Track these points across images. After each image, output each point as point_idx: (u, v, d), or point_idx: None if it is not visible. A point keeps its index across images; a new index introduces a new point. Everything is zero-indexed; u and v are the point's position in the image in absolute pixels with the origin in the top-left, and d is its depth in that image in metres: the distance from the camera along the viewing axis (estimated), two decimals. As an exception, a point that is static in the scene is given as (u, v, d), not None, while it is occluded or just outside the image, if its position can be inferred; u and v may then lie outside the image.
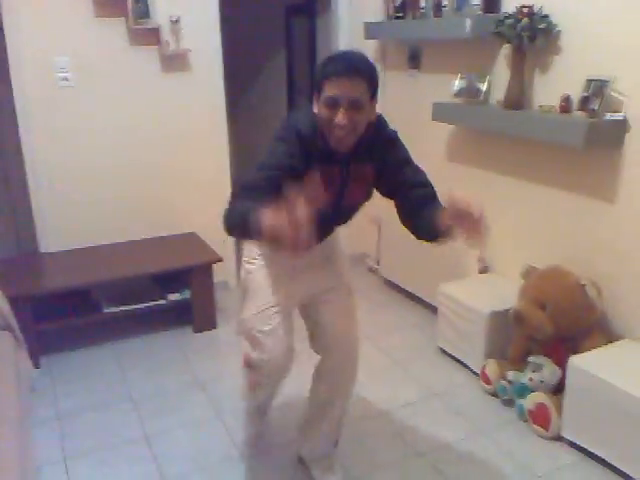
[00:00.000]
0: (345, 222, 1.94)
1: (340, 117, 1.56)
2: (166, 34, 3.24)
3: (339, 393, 2.05)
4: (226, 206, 1.58)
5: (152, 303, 3.19)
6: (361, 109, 1.58)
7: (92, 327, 3.25)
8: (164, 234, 3.57)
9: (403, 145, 1.82)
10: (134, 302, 3.16)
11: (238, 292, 2.06)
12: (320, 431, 2.11)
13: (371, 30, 3.53)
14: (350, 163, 1.72)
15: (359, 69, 1.57)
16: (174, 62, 3.34)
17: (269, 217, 1.29)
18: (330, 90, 1.56)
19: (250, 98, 5.78)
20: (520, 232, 2.92)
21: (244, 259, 1.96)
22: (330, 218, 1.81)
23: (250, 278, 1.90)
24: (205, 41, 3.38)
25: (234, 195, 1.62)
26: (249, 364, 1.90)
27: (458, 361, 2.90)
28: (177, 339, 3.22)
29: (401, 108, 3.49)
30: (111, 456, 2.30)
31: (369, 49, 3.73)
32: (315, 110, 1.64)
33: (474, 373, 2.78)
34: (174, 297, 3.22)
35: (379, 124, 1.76)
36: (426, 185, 1.79)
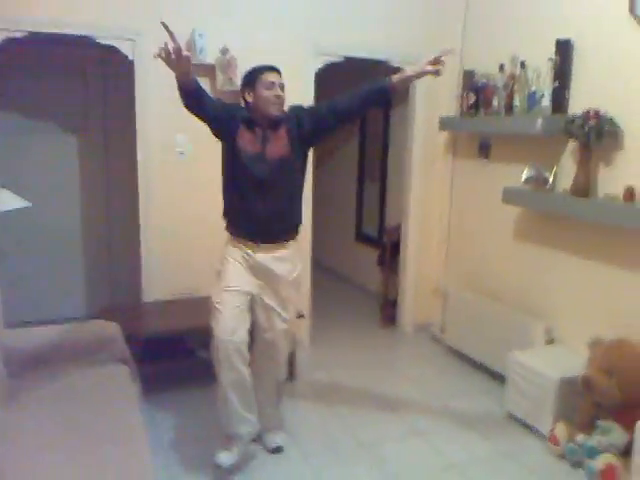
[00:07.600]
0: (283, 194, 2.56)
1: (280, 92, 2.49)
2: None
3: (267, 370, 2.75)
4: None
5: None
6: (283, 90, 2.52)
7: (185, 370, 3.58)
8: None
9: (306, 107, 2.62)
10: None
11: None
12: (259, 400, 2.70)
13: (445, 123, 4.01)
14: (267, 129, 2.51)
15: (278, 69, 2.55)
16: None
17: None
18: (268, 78, 2.47)
19: (320, 175, 6.26)
20: (584, 307, 3.18)
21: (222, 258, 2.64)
22: (263, 175, 2.48)
23: (222, 268, 2.60)
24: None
25: None
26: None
27: (527, 426, 3.09)
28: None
29: (471, 192, 3.88)
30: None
31: (442, 139, 4.21)
32: (249, 100, 2.50)
33: (543, 436, 2.96)
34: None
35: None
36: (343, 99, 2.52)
